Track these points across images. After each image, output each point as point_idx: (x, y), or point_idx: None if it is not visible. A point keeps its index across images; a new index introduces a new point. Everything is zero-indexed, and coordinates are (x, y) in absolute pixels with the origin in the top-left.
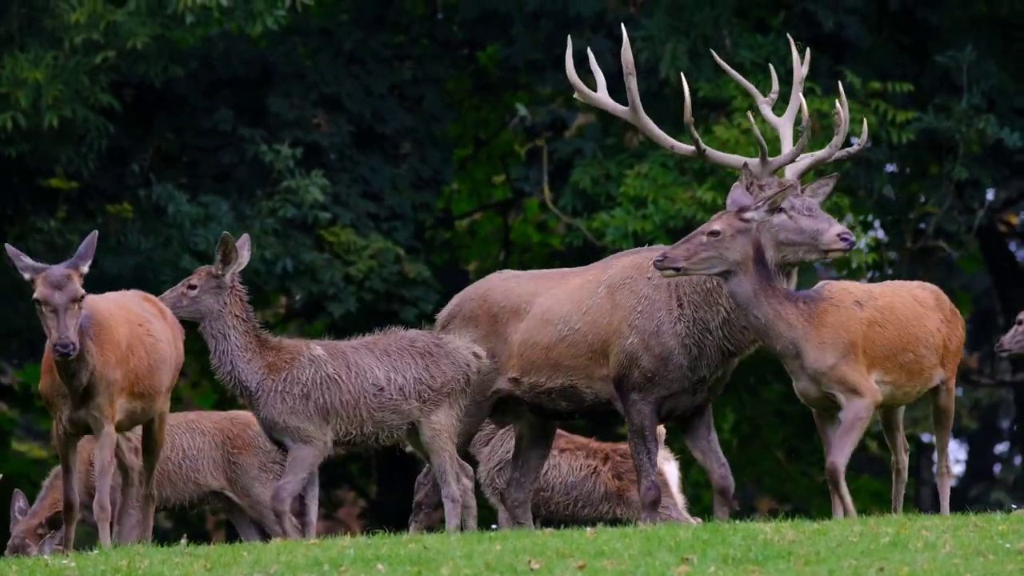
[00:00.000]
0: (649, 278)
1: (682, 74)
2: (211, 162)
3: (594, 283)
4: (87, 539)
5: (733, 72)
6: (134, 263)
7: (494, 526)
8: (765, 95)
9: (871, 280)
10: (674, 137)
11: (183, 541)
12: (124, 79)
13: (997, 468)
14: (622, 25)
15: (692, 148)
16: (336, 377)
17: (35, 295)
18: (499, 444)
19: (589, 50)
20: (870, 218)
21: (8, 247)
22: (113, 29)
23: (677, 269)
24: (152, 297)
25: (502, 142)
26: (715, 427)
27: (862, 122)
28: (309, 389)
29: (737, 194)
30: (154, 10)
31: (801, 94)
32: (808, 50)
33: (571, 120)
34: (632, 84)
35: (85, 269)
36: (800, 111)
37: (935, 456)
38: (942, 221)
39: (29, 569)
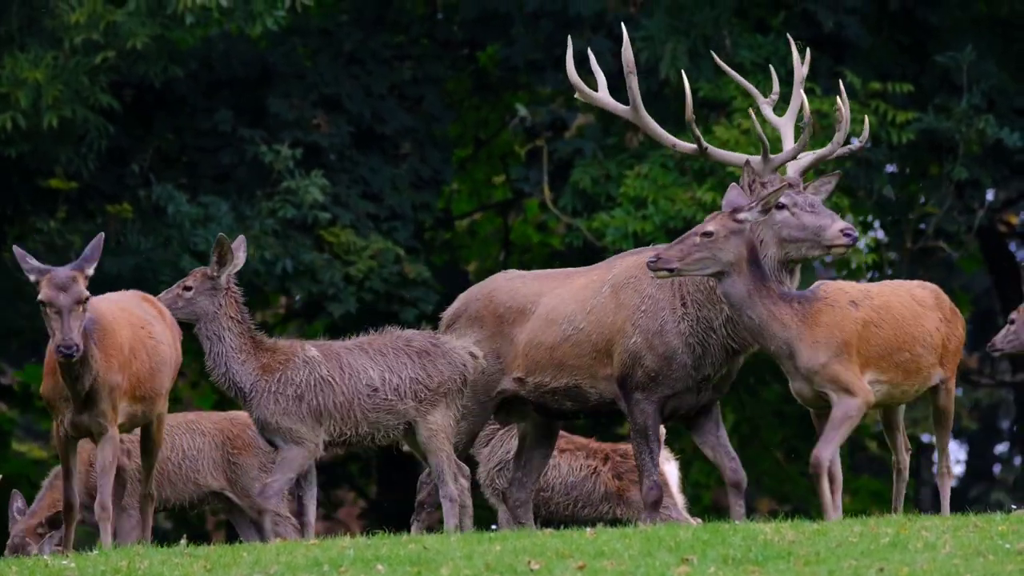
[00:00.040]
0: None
1: (683, 72)
2: (211, 162)
3: (598, 283)
4: (87, 539)
5: (733, 73)
6: (134, 263)
7: (494, 526)
8: (766, 96)
9: (871, 280)
10: (675, 136)
11: (183, 541)
12: (124, 79)
13: (997, 468)
14: (622, 24)
15: (694, 146)
16: (330, 379)
17: (39, 296)
18: (499, 445)
19: (590, 50)
20: (870, 218)
21: (16, 248)
22: (113, 29)
23: (671, 270)
24: (151, 298)
25: (502, 142)
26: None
27: (863, 122)
28: (303, 390)
29: (733, 195)
30: (154, 10)
31: (803, 90)
32: (808, 50)
33: (571, 120)
34: (633, 83)
35: (90, 271)
36: (802, 108)
37: (935, 456)
38: (942, 221)
39: (29, 570)
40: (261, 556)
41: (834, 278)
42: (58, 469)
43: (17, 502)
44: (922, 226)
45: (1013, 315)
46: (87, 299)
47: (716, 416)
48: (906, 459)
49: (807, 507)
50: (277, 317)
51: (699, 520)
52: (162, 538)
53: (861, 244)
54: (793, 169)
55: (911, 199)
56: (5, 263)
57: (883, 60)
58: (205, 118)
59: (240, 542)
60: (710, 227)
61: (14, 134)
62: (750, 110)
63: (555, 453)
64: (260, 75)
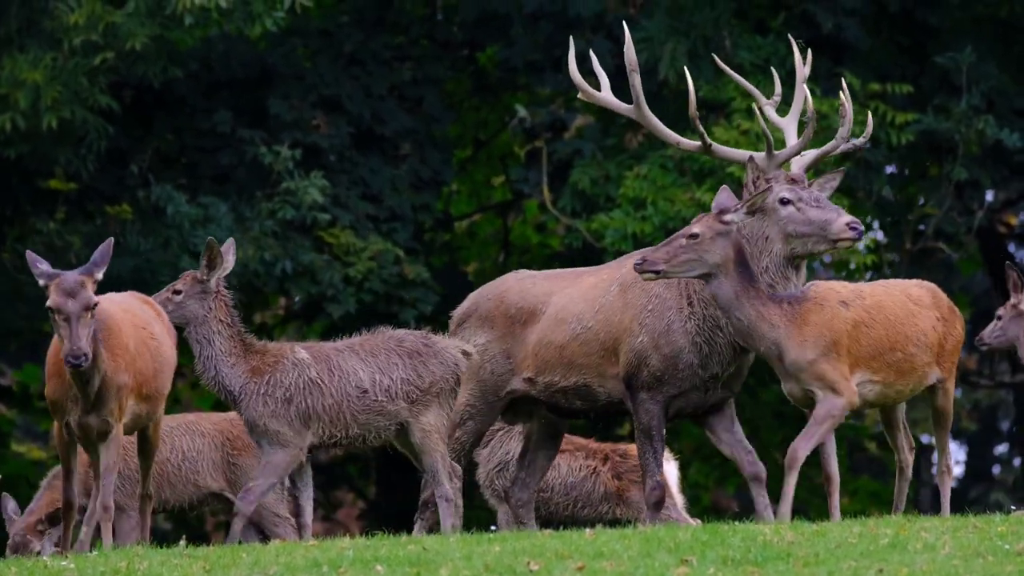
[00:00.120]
0: None
1: (685, 69)
2: (210, 163)
3: (607, 281)
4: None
5: (734, 75)
6: (133, 264)
7: (493, 527)
8: (768, 97)
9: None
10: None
11: (182, 542)
12: (123, 80)
13: (996, 469)
14: (624, 23)
15: (698, 144)
16: (319, 381)
17: (48, 303)
18: (499, 446)
19: (591, 51)
20: (869, 219)
21: (28, 253)
22: (112, 30)
23: (657, 272)
24: (149, 299)
25: (501, 143)
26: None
27: (863, 122)
28: (292, 393)
29: (723, 197)
30: (153, 11)
31: (805, 86)
32: (809, 50)
33: (570, 121)
34: (636, 81)
35: (99, 276)
36: (805, 103)
37: (935, 457)
38: (941, 222)
39: (28, 570)
40: (260, 557)
41: (833, 279)
42: (57, 469)
43: (9, 505)
44: (921, 227)
45: (1000, 311)
46: (95, 305)
47: (731, 413)
48: (909, 458)
49: (806, 508)
50: (276, 318)
51: (698, 521)
52: (161, 539)
53: (860, 245)
54: (797, 165)
55: (910, 200)
56: (4, 264)
57: (882, 61)
58: (204, 119)
59: (240, 543)
60: (696, 229)
61: (13, 135)
62: (754, 106)
63: None
64: (260, 76)
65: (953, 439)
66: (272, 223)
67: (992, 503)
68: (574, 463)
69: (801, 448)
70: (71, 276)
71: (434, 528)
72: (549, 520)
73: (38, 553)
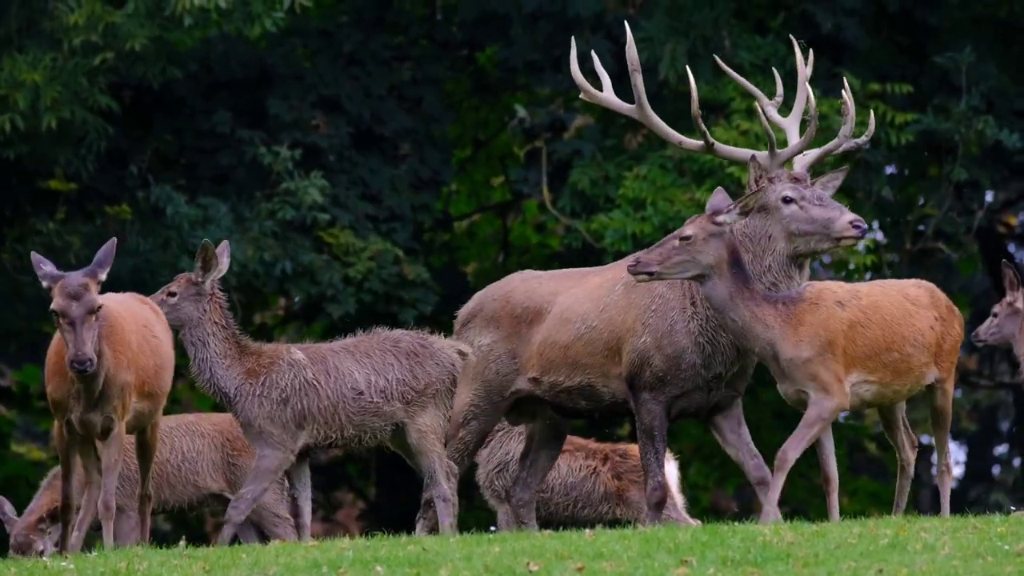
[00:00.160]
0: None
1: (687, 68)
2: (210, 164)
3: (612, 281)
4: (86, 540)
5: (736, 76)
6: (132, 265)
7: (493, 528)
8: (770, 98)
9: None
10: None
11: (182, 543)
12: (123, 81)
13: (996, 470)
14: (625, 23)
15: (700, 143)
16: (315, 382)
17: (52, 306)
18: (498, 446)
19: (593, 52)
20: (869, 220)
21: (33, 254)
22: (112, 31)
23: (650, 274)
24: (147, 299)
25: (501, 143)
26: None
27: (864, 123)
28: (288, 394)
29: (718, 199)
30: (152, 12)
31: (808, 83)
32: (812, 50)
33: (570, 121)
34: (638, 81)
35: (103, 277)
36: (807, 102)
37: (934, 458)
38: (941, 222)
39: (28, 571)
40: (260, 558)
41: (833, 279)
42: (57, 470)
43: (4, 506)
44: (921, 227)
45: (995, 308)
46: (99, 308)
47: (737, 414)
48: (911, 456)
49: (806, 508)
50: (276, 318)
51: (698, 521)
52: (161, 539)
53: (860, 246)
54: (800, 164)
55: (910, 200)
56: (4, 265)
57: (882, 61)
58: (204, 119)
59: (239, 543)
60: (689, 230)
61: (13, 136)
62: (756, 104)
63: None
64: (259, 76)
65: (953, 439)
66: (272, 223)
67: (992, 504)
68: (574, 463)
69: (791, 450)
70: (75, 278)
71: (436, 528)
72: (549, 520)
73: (41, 552)
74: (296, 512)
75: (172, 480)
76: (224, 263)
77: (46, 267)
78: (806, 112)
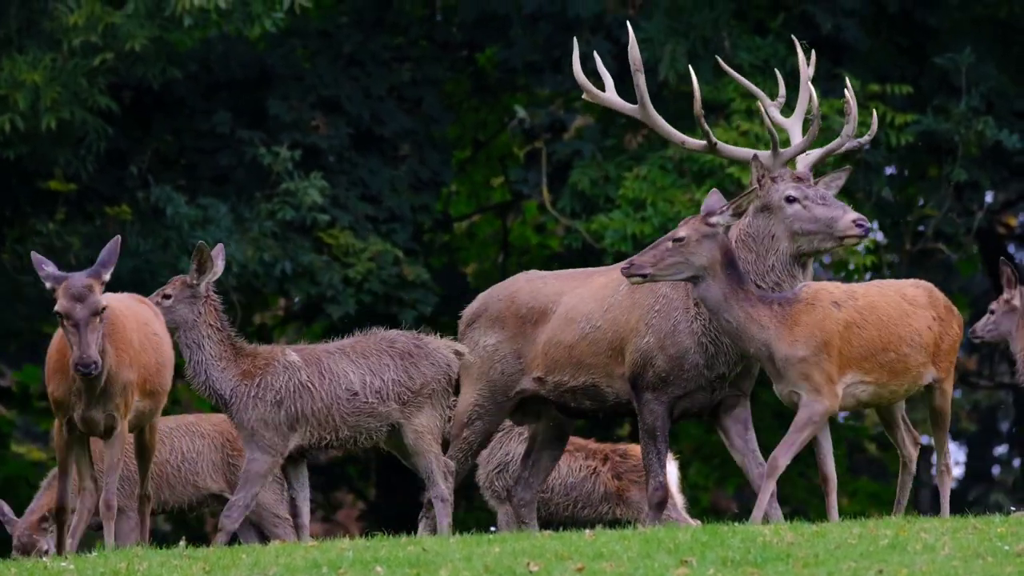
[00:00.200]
0: None
1: (690, 67)
2: (210, 164)
3: (617, 281)
4: (86, 540)
5: (739, 77)
6: (132, 265)
7: (493, 528)
8: (772, 99)
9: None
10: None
11: (182, 543)
12: (122, 81)
13: (996, 470)
14: (627, 23)
15: (703, 143)
16: (309, 384)
17: (56, 308)
18: (498, 447)
19: (596, 53)
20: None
21: (34, 255)
22: (111, 31)
23: (644, 276)
24: (145, 299)
25: (501, 144)
26: (712, 429)
27: (867, 123)
28: (282, 396)
29: (712, 200)
30: (152, 12)
31: (811, 83)
32: (813, 51)
33: (570, 122)
34: (641, 81)
35: (107, 277)
36: (810, 101)
37: (934, 458)
38: (941, 223)
39: (28, 571)
40: (260, 558)
41: (833, 279)
42: (56, 470)
43: (3, 508)
44: (921, 228)
45: (992, 305)
46: (104, 309)
47: (745, 418)
48: (912, 453)
49: (806, 509)
50: (276, 319)
51: (698, 521)
52: (161, 540)
53: (860, 247)
54: (803, 164)
55: (910, 201)
56: (4, 265)
57: (882, 62)
58: (204, 120)
59: (239, 544)
60: (682, 232)
61: (12, 136)
62: (759, 104)
63: None
64: (259, 77)
65: (953, 440)
66: (271, 224)
67: (992, 504)
68: (574, 463)
69: (781, 456)
70: (79, 279)
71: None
72: (549, 521)
73: (45, 551)
74: (295, 512)
75: (172, 481)
76: (219, 266)
77: (48, 268)
78: (809, 111)
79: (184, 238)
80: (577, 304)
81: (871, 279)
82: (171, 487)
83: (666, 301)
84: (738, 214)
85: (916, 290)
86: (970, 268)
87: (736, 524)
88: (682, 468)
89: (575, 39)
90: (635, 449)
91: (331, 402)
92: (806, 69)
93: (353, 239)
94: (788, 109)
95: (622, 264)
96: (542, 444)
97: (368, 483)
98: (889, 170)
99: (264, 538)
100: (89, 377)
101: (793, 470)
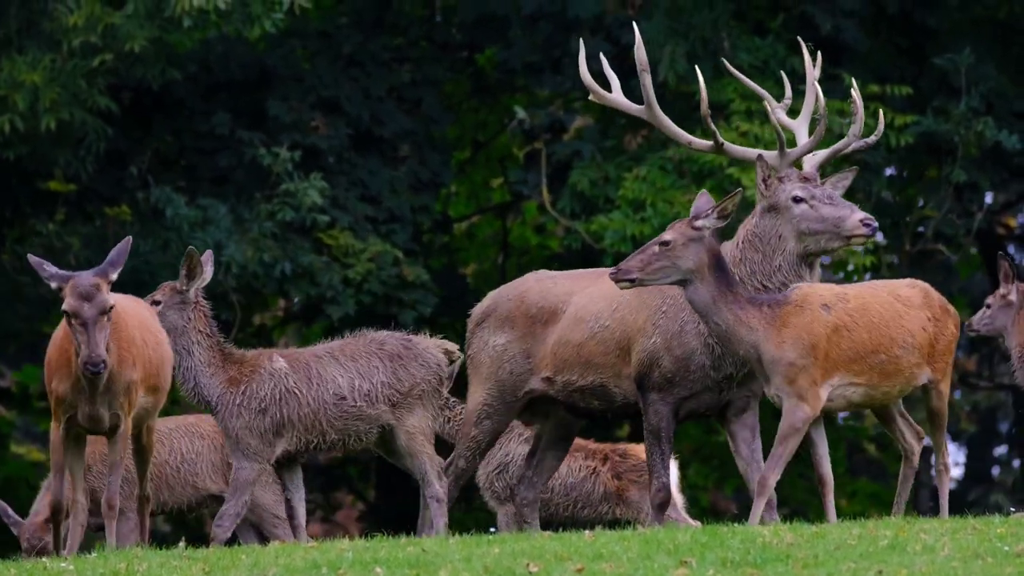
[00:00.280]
0: None
1: (696, 68)
2: (209, 165)
3: None
4: (86, 541)
5: (744, 78)
6: (132, 266)
7: (492, 529)
8: (778, 100)
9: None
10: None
11: (181, 544)
12: (122, 82)
13: (996, 471)
14: (633, 24)
15: (710, 143)
16: (295, 390)
17: (64, 306)
18: (498, 448)
19: (601, 54)
20: None
21: (31, 257)
22: (111, 32)
23: (632, 280)
24: (142, 301)
25: (500, 145)
26: (711, 430)
27: (872, 123)
28: (267, 404)
29: (701, 202)
30: (152, 13)
31: (817, 83)
32: (819, 52)
33: (569, 122)
34: (647, 81)
35: (114, 277)
36: (816, 102)
37: (933, 459)
38: (941, 224)
39: (28, 571)
40: (260, 559)
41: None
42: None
43: (8, 511)
44: (921, 229)
45: (989, 299)
46: (111, 308)
47: (753, 424)
48: (914, 445)
49: (806, 510)
50: (276, 320)
51: (698, 522)
52: (160, 541)
53: (858, 248)
54: (809, 164)
55: (910, 202)
56: (3, 265)
57: (881, 63)
58: (203, 121)
59: (238, 545)
60: (668, 236)
61: (12, 137)
62: (765, 104)
63: None
64: (258, 77)
65: (952, 441)
66: (271, 225)
67: (991, 505)
68: (574, 464)
69: (771, 474)
70: (86, 278)
71: (448, 525)
72: (549, 521)
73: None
74: (291, 514)
75: (171, 481)
76: (208, 272)
77: (49, 268)
78: (815, 112)
79: (184, 239)
80: (587, 304)
81: (871, 280)
82: (170, 488)
83: (673, 302)
84: (723, 217)
85: (911, 290)
86: (969, 269)
87: (736, 525)
88: (681, 468)
89: (581, 40)
90: (635, 449)
91: (318, 407)
92: (812, 70)
93: (353, 240)
94: (792, 111)
95: (610, 269)
96: (547, 444)
97: (368, 484)
98: (889, 171)
99: (263, 539)
100: (98, 376)
101: (792, 470)
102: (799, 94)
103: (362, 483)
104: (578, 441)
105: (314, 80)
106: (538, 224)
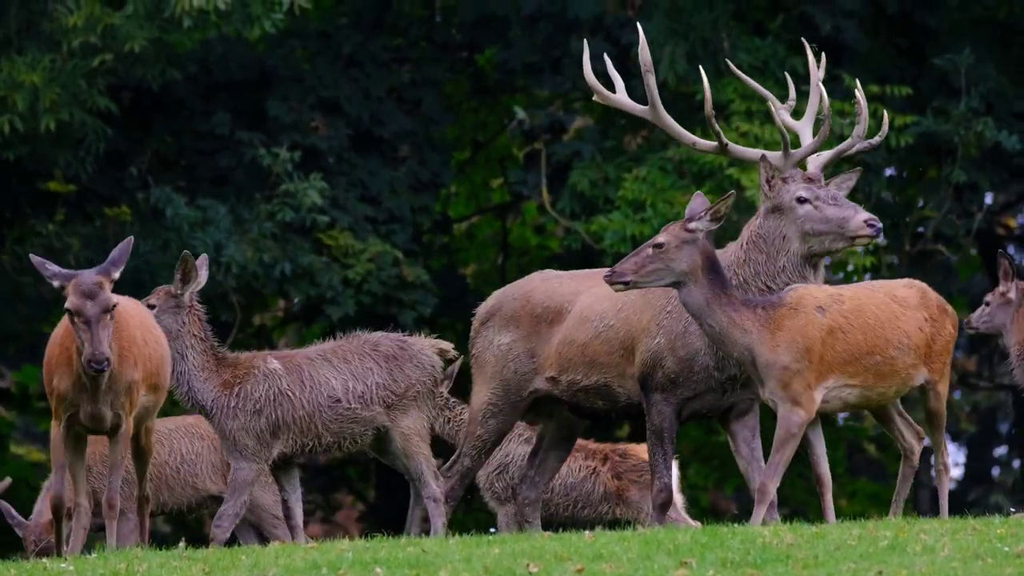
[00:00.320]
0: None
1: (701, 69)
2: (209, 165)
3: None
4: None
5: (749, 80)
6: (132, 266)
7: (492, 529)
8: (782, 102)
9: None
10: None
11: (181, 545)
12: (122, 82)
13: (996, 471)
14: (637, 25)
15: (714, 144)
16: (289, 392)
17: (67, 305)
18: (498, 448)
19: (605, 55)
20: None
21: (33, 257)
22: (111, 32)
23: (626, 283)
24: (138, 302)
25: (500, 145)
26: (711, 430)
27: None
28: (262, 405)
29: (696, 204)
30: (152, 13)
31: (821, 86)
32: (823, 53)
33: (569, 123)
34: (651, 82)
35: (116, 275)
36: (821, 102)
37: (932, 459)
38: (940, 224)
39: (28, 572)
40: (259, 559)
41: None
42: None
43: (11, 512)
44: (920, 229)
45: (988, 297)
46: (114, 306)
47: (753, 425)
48: (914, 445)
49: (805, 510)
50: (276, 320)
51: (698, 523)
52: (160, 541)
53: (859, 248)
54: (813, 165)
55: (909, 202)
56: (3, 266)
57: (881, 63)
58: (203, 121)
59: (238, 545)
60: (661, 238)
61: (12, 137)
62: (769, 104)
63: None
64: (258, 78)
65: (952, 441)
66: (271, 225)
67: (991, 505)
68: (573, 464)
69: (770, 481)
70: (89, 276)
71: (454, 523)
72: (549, 521)
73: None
74: (288, 515)
75: (171, 482)
76: (203, 276)
77: (51, 267)
78: (819, 112)
79: (184, 239)
80: (592, 303)
81: (870, 280)
82: (170, 489)
83: (678, 302)
84: (717, 219)
85: (908, 291)
86: (969, 270)
87: (736, 525)
88: (682, 468)
89: (585, 41)
90: (635, 449)
91: (313, 410)
92: (816, 71)
93: (352, 240)
94: (795, 112)
95: (605, 271)
96: (550, 444)
97: (367, 484)
98: (889, 171)
99: (263, 539)
100: (101, 373)
101: (792, 471)
102: (802, 95)
103: (362, 484)
104: (578, 441)
105: (314, 80)
106: (538, 224)
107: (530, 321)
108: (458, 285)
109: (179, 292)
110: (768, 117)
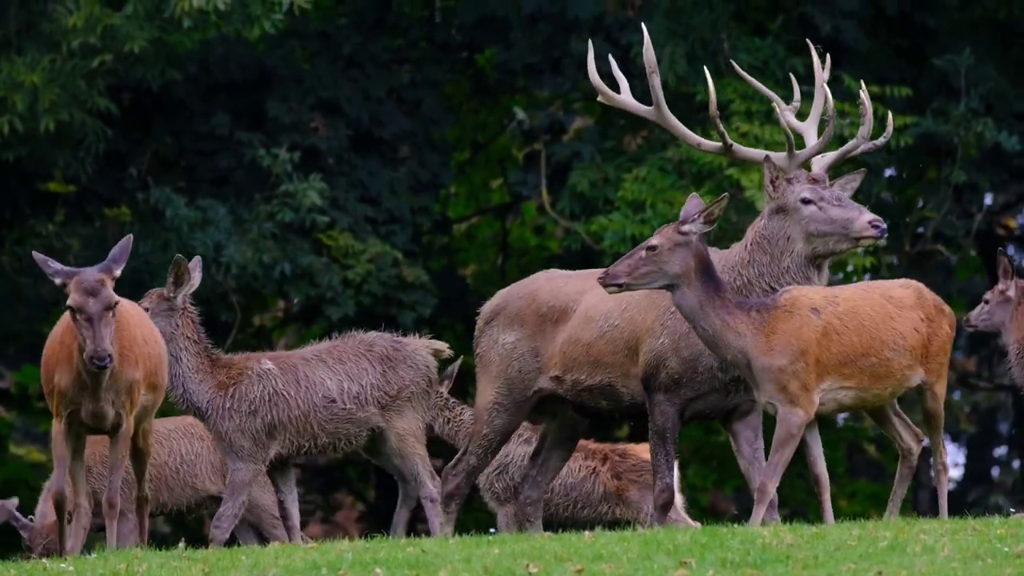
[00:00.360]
0: None
1: (706, 70)
2: (209, 166)
3: None
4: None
5: (754, 81)
6: (131, 267)
7: (492, 530)
8: (787, 103)
9: None
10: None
11: (181, 545)
12: (121, 83)
13: (996, 472)
14: (642, 25)
15: (718, 145)
16: (284, 393)
17: (69, 302)
18: None
19: (610, 56)
20: None
21: (35, 254)
22: (110, 33)
23: (619, 285)
24: (136, 304)
25: (500, 146)
26: (711, 430)
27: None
28: (256, 406)
29: (691, 206)
30: (152, 14)
31: (826, 85)
32: (828, 54)
33: (569, 123)
34: (656, 82)
35: (118, 273)
36: (826, 102)
37: (931, 460)
38: (940, 225)
39: (28, 572)
40: (259, 560)
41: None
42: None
43: (15, 514)
44: (920, 230)
45: (987, 295)
46: (116, 303)
47: (756, 425)
48: (913, 446)
49: (805, 510)
50: (275, 320)
51: (698, 523)
52: (160, 541)
53: (860, 249)
54: (818, 166)
55: (909, 203)
56: (3, 266)
57: (881, 64)
58: (203, 121)
59: (238, 545)
60: (654, 241)
61: (11, 138)
62: (774, 105)
63: None
64: (258, 78)
65: (952, 441)
66: (271, 225)
67: (991, 506)
68: (573, 464)
69: (769, 481)
70: (91, 274)
71: (461, 521)
72: (549, 521)
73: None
74: (284, 515)
75: (170, 482)
76: (196, 278)
77: (54, 265)
78: (824, 113)
79: (184, 240)
80: (597, 303)
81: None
82: (170, 489)
83: None
84: (710, 222)
85: (904, 291)
86: (969, 270)
87: (735, 525)
88: (681, 469)
89: (590, 42)
90: (635, 449)
91: (308, 410)
92: (821, 72)
93: (352, 241)
94: (798, 113)
95: (598, 273)
96: (552, 444)
97: (367, 485)
98: (888, 172)
99: (263, 540)
100: (103, 370)
101: (791, 471)
102: (804, 95)
103: (362, 484)
104: (578, 441)
105: (314, 81)
106: (538, 225)
107: (535, 320)
108: (458, 286)
109: (172, 295)
110: (768, 117)
